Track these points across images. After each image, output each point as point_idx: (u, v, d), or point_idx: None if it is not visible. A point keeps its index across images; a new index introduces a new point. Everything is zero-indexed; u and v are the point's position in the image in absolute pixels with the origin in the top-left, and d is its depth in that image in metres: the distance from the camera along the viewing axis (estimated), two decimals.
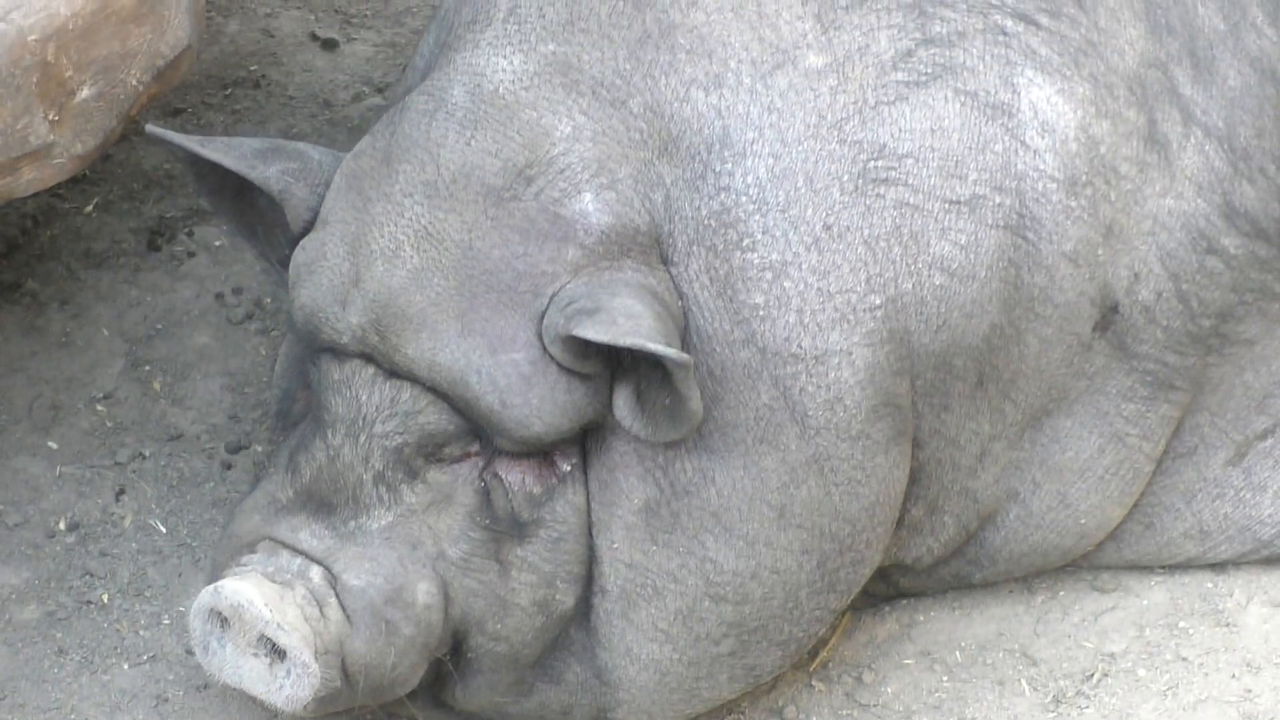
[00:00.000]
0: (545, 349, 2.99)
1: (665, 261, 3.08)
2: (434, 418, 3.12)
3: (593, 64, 3.19)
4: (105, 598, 3.46)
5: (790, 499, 3.06)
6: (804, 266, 2.97)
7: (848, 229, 2.99)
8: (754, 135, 3.11)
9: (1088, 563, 3.43)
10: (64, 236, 4.10)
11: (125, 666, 3.41)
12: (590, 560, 3.19)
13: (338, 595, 3.14)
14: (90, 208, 4.16)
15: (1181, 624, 3.36)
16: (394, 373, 3.14)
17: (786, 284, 2.94)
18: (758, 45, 3.16)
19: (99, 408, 3.76)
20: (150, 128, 3.27)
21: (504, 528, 3.18)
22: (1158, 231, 3.23)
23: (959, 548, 3.27)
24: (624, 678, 3.16)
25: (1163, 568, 3.47)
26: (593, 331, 2.92)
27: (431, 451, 3.14)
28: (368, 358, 3.12)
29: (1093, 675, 3.30)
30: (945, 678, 3.32)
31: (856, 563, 3.09)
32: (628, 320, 2.91)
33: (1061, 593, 3.44)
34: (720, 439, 3.09)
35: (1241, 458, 3.36)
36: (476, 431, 3.12)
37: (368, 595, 3.14)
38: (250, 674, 3.16)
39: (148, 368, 3.79)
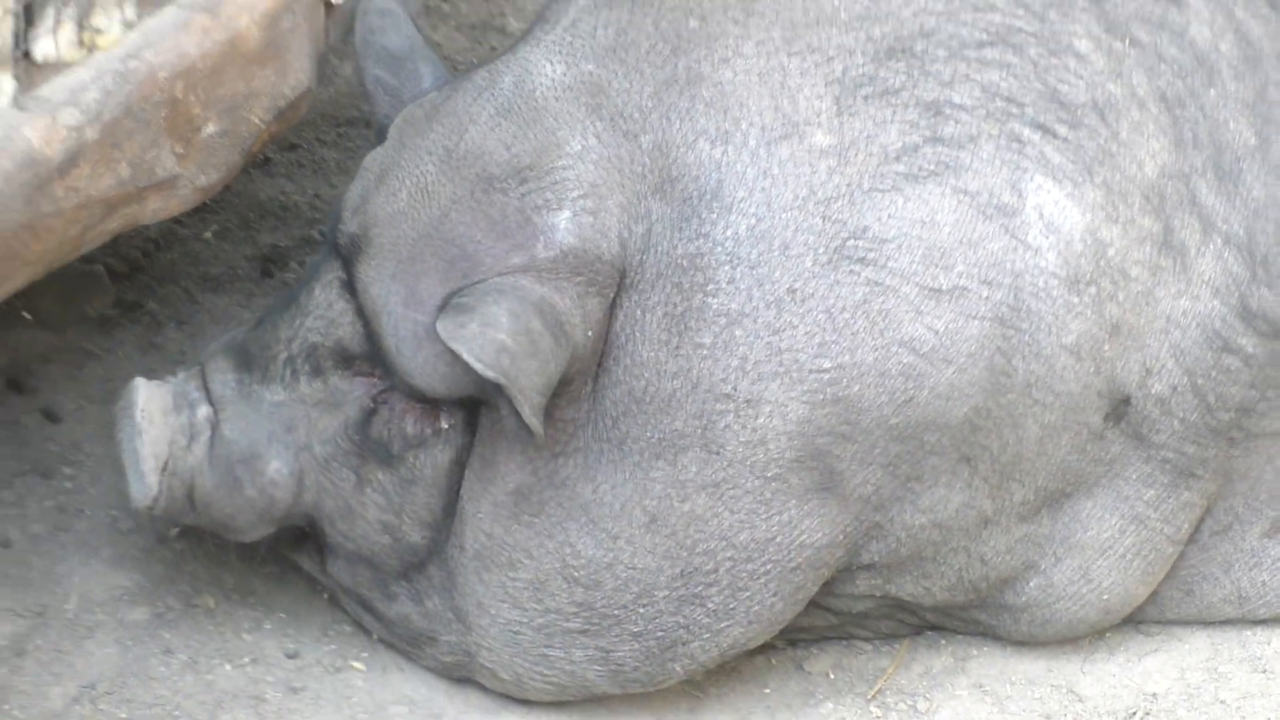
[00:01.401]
0: None
1: (628, 288, 3.06)
2: (350, 332, 3.20)
3: (619, 93, 3.21)
4: (210, 602, 3.45)
5: (668, 509, 3.09)
6: (759, 320, 2.98)
7: (811, 296, 3.00)
8: (744, 194, 3.11)
9: (1128, 619, 3.38)
10: (183, 261, 4.11)
11: (227, 667, 3.39)
12: (441, 512, 3.24)
13: (210, 437, 3.26)
14: (209, 234, 4.17)
15: (1221, 669, 3.34)
16: (345, 282, 3.23)
17: (738, 332, 2.97)
18: (772, 113, 3.16)
19: None
20: None
21: (371, 449, 3.25)
22: (1171, 330, 3.19)
23: (977, 600, 3.24)
24: (477, 625, 3.20)
25: None
26: (441, 326, 2.99)
27: (342, 359, 3.21)
28: (344, 263, 3.21)
29: (1135, 713, 3.28)
30: (996, 710, 3.30)
31: (735, 589, 3.09)
32: (481, 328, 2.96)
33: (1108, 635, 3.41)
34: (615, 447, 3.13)
35: (1278, 530, 3.34)
36: (383, 364, 3.20)
37: (230, 448, 3.24)
38: (125, 458, 3.26)
39: None
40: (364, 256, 3.18)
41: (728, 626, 3.17)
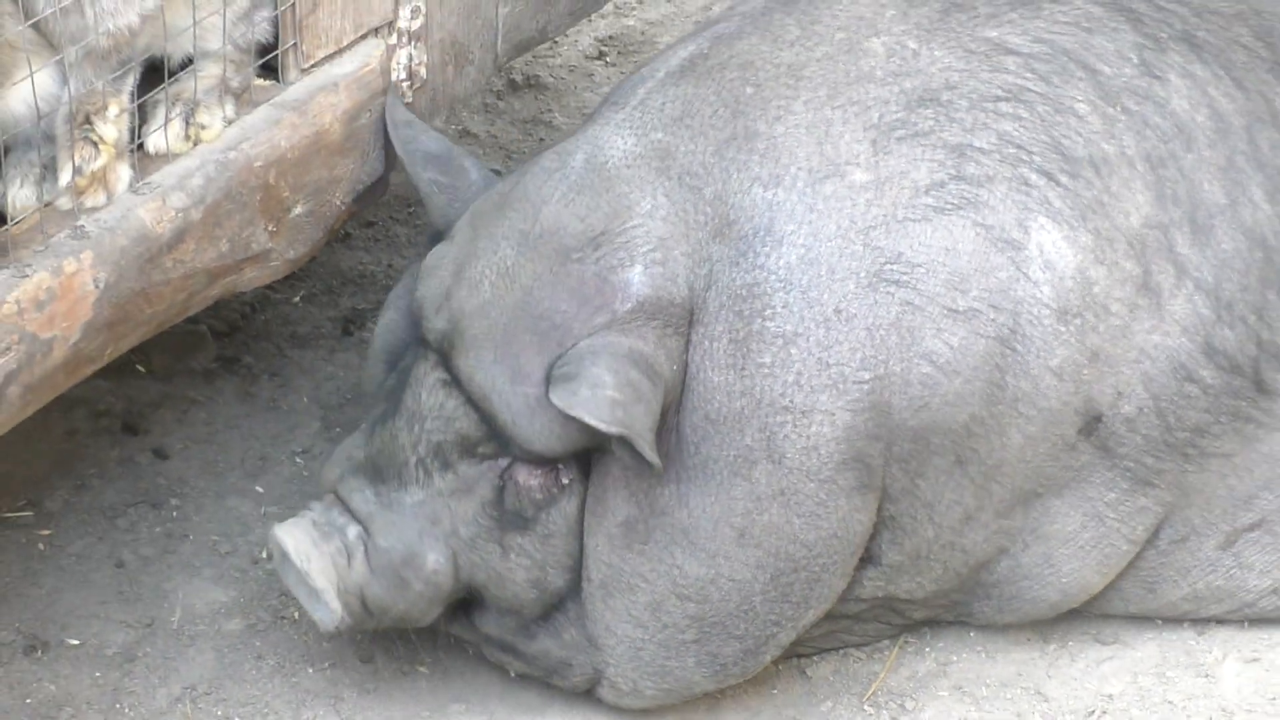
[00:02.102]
0: None
1: (694, 322, 3.05)
2: (467, 423, 3.15)
3: (686, 154, 3.17)
4: (296, 614, 3.46)
5: (752, 523, 3.08)
6: (811, 339, 3.00)
7: (855, 315, 3.02)
8: (794, 228, 3.10)
9: (1096, 611, 3.40)
10: (275, 321, 4.10)
11: (310, 670, 3.41)
12: (580, 553, 3.21)
13: (366, 550, 3.22)
14: (297, 299, 4.17)
15: (1169, 673, 3.35)
16: (449, 380, 3.18)
17: (793, 350, 2.99)
18: (818, 157, 3.16)
19: (298, 459, 3.78)
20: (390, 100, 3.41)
21: (509, 520, 3.22)
22: (1142, 361, 3.18)
23: (957, 586, 3.27)
24: (606, 646, 3.20)
25: (1154, 626, 3.41)
26: (556, 398, 2.97)
27: (465, 449, 3.17)
28: (440, 358, 3.17)
29: (1094, 712, 3.28)
30: (973, 708, 3.31)
31: (812, 581, 3.12)
32: (589, 392, 2.95)
33: (1070, 643, 3.40)
34: (699, 470, 3.11)
35: (1231, 544, 3.33)
36: (503, 441, 3.13)
37: (389, 555, 3.20)
38: (300, 596, 3.26)
39: (338, 429, 3.78)
40: (460, 350, 3.15)
41: (806, 612, 3.18)
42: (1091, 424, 3.18)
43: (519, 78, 4.75)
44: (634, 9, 4.89)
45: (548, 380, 3.04)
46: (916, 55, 3.22)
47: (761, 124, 3.17)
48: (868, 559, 3.22)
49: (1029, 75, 3.19)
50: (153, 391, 3.99)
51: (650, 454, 2.95)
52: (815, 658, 3.51)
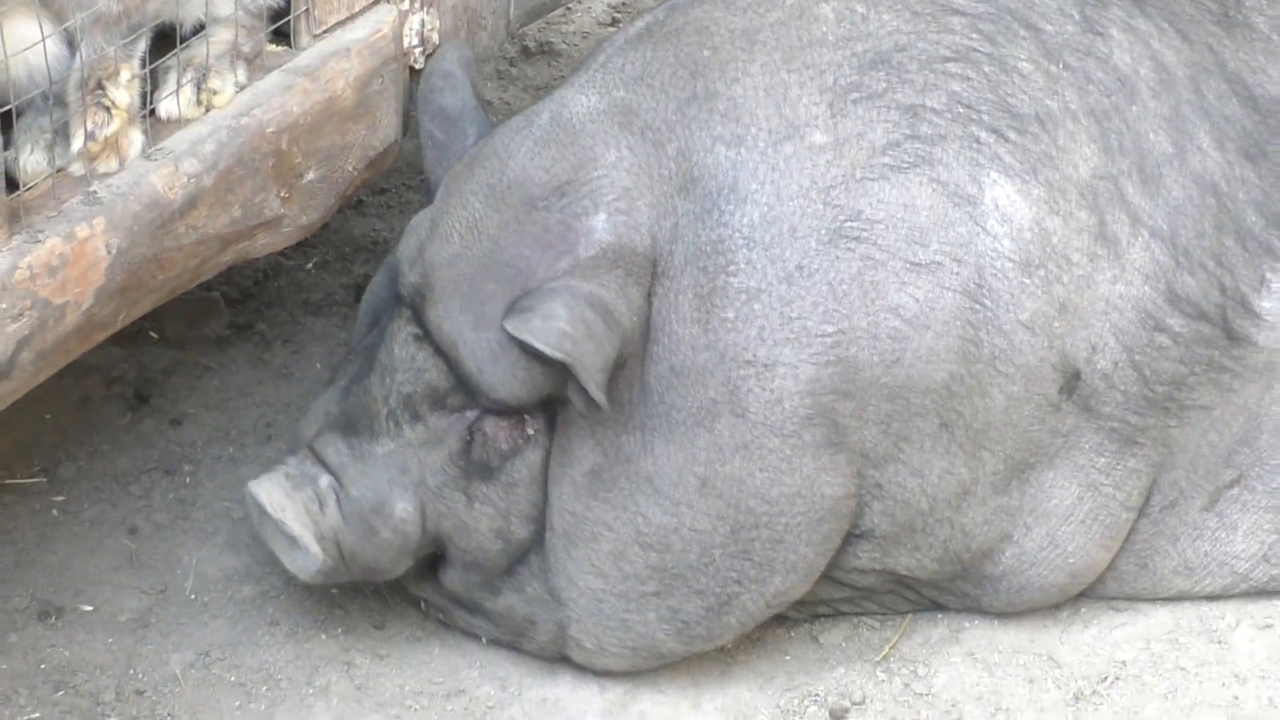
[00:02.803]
0: None
1: (660, 275, 3.11)
2: (436, 374, 3.21)
3: (648, 111, 3.22)
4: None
5: (714, 473, 3.12)
6: (773, 295, 3.04)
7: (816, 271, 3.06)
8: (756, 187, 3.14)
9: (1094, 596, 3.40)
10: (288, 288, 4.11)
11: (323, 636, 3.42)
12: (544, 504, 3.25)
13: (338, 500, 3.27)
14: (310, 266, 4.19)
15: (1181, 640, 3.35)
16: (420, 334, 3.24)
17: (756, 306, 3.04)
18: (777, 118, 3.20)
19: None
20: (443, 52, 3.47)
21: (475, 470, 3.27)
22: (1110, 312, 3.21)
23: (962, 571, 3.29)
24: (568, 599, 3.22)
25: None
26: (508, 324, 3.03)
27: (435, 400, 3.23)
28: (413, 313, 3.23)
29: (1106, 678, 3.28)
30: (985, 674, 3.31)
31: (774, 541, 3.13)
32: (541, 321, 3.01)
33: (1083, 609, 3.40)
34: (664, 420, 3.15)
35: (1214, 503, 3.34)
36: (470, 391, 3.17)
37: (360, 503, 3.26)
38: (279, 549, 3.31)
39: None
40: (430, 301, 3.21)
41: (770, 576, 3.19)
42: (1071, 381, 3.20)
43: (532, 44, 4.76)
44: None
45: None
46: (865, 19, 3.26)
47: (720, 85, 3.22)
48: (860, 532, 3.22)
49: (974, 35, 3.23)
50: (165, 358, 3.99)
51: (596, 391, 3.00)
52: (828, 625, 3.51)
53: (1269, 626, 3.38)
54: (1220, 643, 3.35)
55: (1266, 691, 3.25)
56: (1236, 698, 3.25)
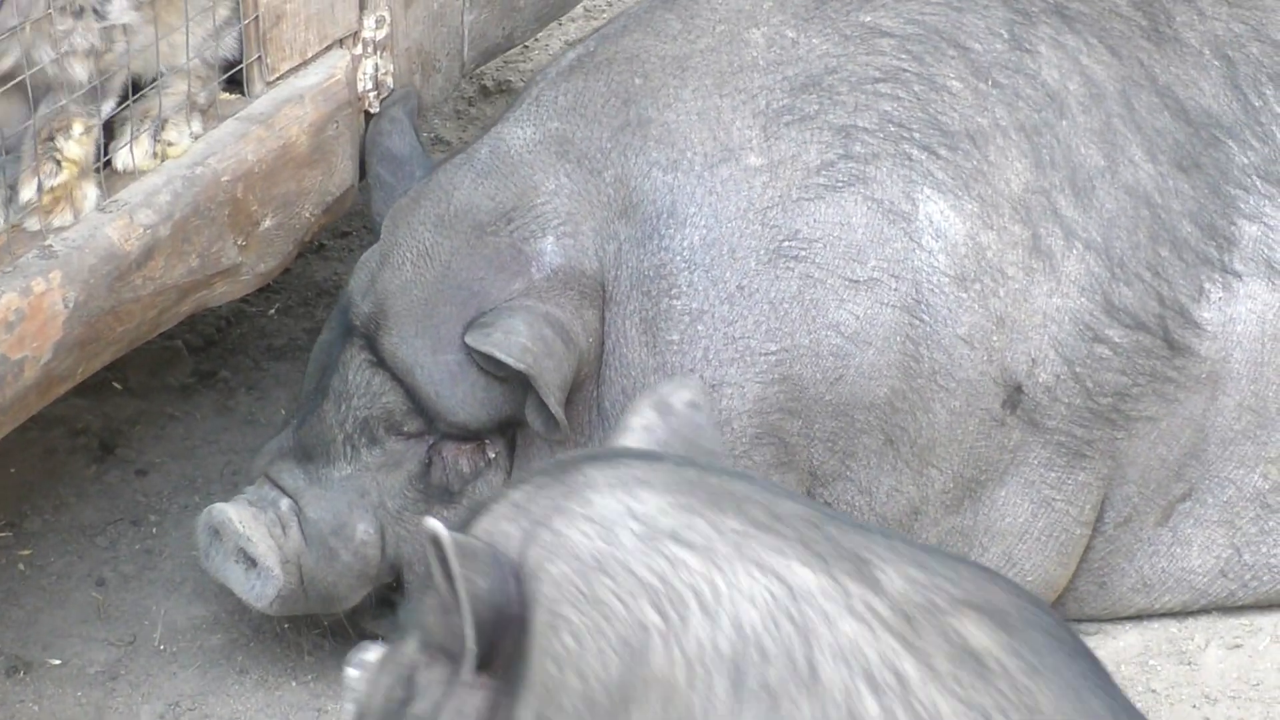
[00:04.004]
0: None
1: (608, 300, 3.13)
2: (393, 400, 3.22)
3: (583, 140, 3.24)
4: (280, 628, 3.45)
5: None
6: (716, 315, 3.06)
7: (756, 290, 3.08)
8: (694, 210, 3.16)
9: None
10: (251, 334, 4.10)
11: (293, 684, 3.41)
12: None
13: (299, 522, 3.27)
14: (272, 311, 4.17)
15: (1151, 662, 3.35)
16: (375, 361, 3.24)
17: (700, 327, 3.06)
18: (711, 142, 3.22)
19: None
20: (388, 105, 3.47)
21: (435, 493, 3.29)
22: (1048, 324, 3.21)
23: None
24: None
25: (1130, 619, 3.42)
26: (470, 339, 3.06)
27: (391, 425, 3.24)
28: (367, 341, 3.23)
29: None
30: None
31: None
32: (503, 335, 3.04)
33: None
34: None
35: (1167, 518, 3.34)
36: (428, 415, 3.19)
37: (319, 526, 3.26)
38: (233, 576, 3.28)
39: None
40: (384, 329, 3.22)
41: None
42: (1014, 395, 3.20)
43: (490, 83, 4.76)
44: (604, 11, 4.86)
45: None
46: (795, 43, 3.27)
47: (653, 111, 3.24)
48: None
49: (903, 56, 3.25)
50: (130, 408, 3.99)
51: (555, 408, 3.00)
52: None
53: (1238, 646, 3.37)
54: (1190, 664, 3.35)
55: (1238, 712, 3.25)
56: (1208, 719, 3.24)
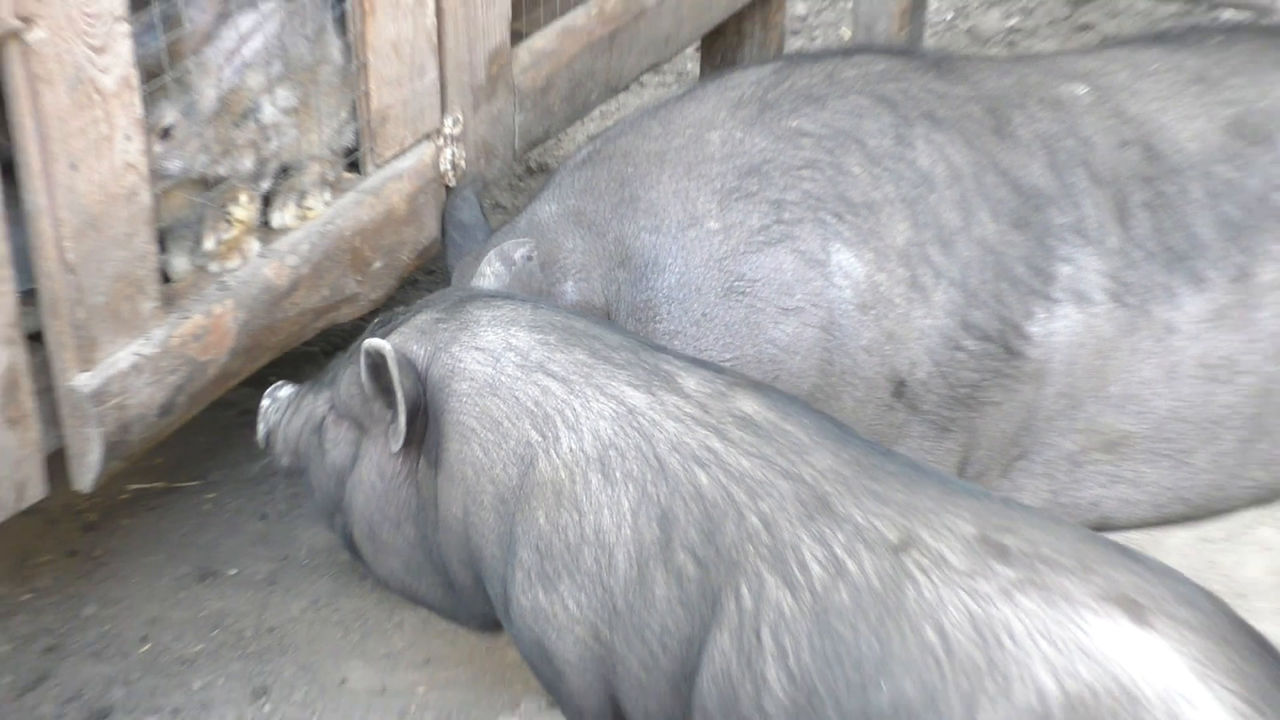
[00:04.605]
0: None
1: None
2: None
3: (592, 213, 3.21)
4: None
5: None
6: (687, 335, 3.04)
7: (715, 317, 3.05)
8: (671, 260, 3.12)
9: None
10: None
11: None
12: None
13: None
14: None
15: None
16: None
17: (676, 343, 3.04)
18: (682, 212, 3.16)
19: None
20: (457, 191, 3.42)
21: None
22: (923, 338, 3.17)
23: None
24: None
25: None
26: None
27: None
28: None
29: None
30: None
31: None
32: None
33: None
34: None
35: (1007, 472, 3.31)
36: None
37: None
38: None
39: None
40: None
41: None
42: (899, 388, 3.17)
43: (533, 164, 4.79)
44: (615, 113, 4.90)
45: None
46: (741, 142, 3.23)
47: (641, 191, 3.21)
48: None
49: (819, 150, 3.20)
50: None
51: None
52: None
53: None
54: None
55: None
56: None
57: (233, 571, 3.49)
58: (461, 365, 2.67)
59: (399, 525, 2.84)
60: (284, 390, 3.11)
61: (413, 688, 3.20)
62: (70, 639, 3.26)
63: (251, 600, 3.43)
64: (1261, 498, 3.38)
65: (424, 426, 2.71)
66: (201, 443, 3.80)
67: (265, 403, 3.13)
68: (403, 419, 2.66)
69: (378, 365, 2.65)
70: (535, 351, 2.64)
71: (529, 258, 3.22)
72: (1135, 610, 2.01)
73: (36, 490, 2.71)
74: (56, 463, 2.78)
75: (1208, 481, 3.31)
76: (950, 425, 3.21)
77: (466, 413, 2.65)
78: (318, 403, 2.99)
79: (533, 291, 3.17)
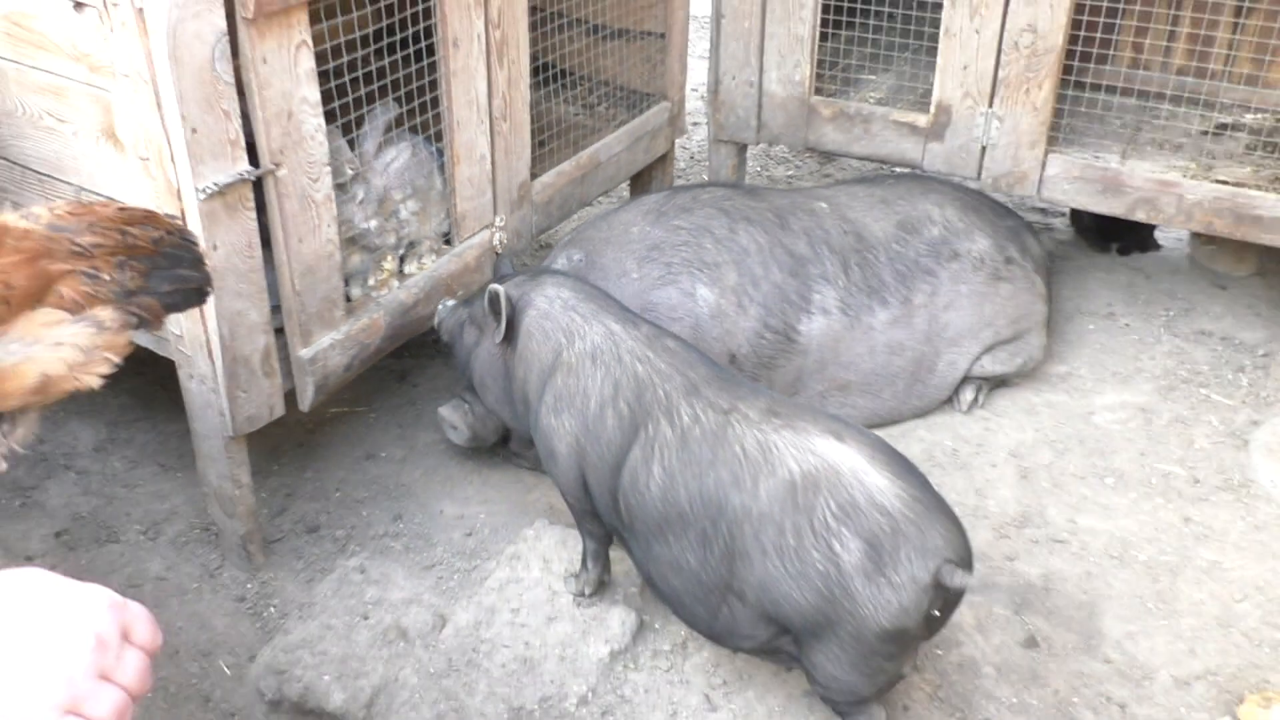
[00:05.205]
0: None
1: None
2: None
3: (573, 269, 3.16)
4: (488, 457, 3.32)
5: None
6: None
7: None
8: (616, 294, 3.11)
9: None
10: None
11: (499, 477, 3.31)
12: None
13: (470, 409, 3.06)
14: None
15: None
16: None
17: None
18: (618, 269, 3.19)
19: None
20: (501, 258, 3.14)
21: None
22: (744, 332, 3.12)
23: None
24: None
25: None
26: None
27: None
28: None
29: None
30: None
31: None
32: None
33: None
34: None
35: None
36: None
37: (475, 410, 3.04)
38: (449, 433, 3.16)
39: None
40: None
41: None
42: (732, 359, 3.19)
43: (543, 241, 4.48)
44: (583, 216, 4.51)
45: None
46: (647, 233, 3.22)
47: (597, 259, 3.24)
48: None
49: (690, 236, 3.23)
50: (410, 364, 3.85)
51: None
52: None
53: None
54: None
55: None
56: None
57: (383, 454, 3.40)
58: (534, 302, 2.70)
59: (496, 378, 2.81)
60: (450, 303, 3.01)
61: (477, 514, 3.13)
62: (298, 490, 3.22)
63: (393, 469, 3.31)
64: (919, 414, 3.50)
65: (511, 332, 2.70)
66: (368, 386, 3.68)
67: (439, 308, 3.01)
68: (503, 327, 2.68)
69: (495, 299, 2.68)
70: (571, 300, 2.67)
71: (576, 261, 3.21)
72: (839, 435, 2.18)
73: (279, 410, 2.74)
74: (290, 397, 2.77)
75: (890, 407, 3.43)
76: (759, 377, 3.22)
77: (533, 326, 2.66)
78: (462, 313, 2.93)
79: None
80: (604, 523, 2.55)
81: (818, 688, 2.19)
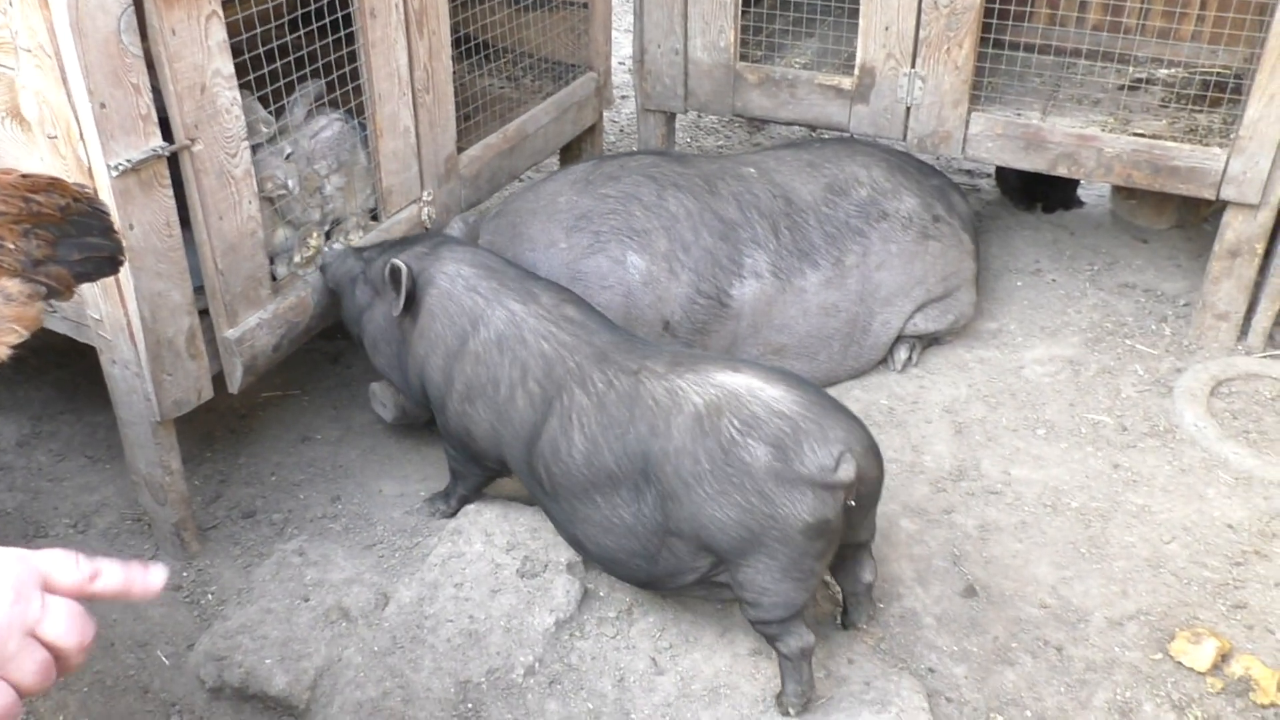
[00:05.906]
0: None
1: None
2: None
3: (500, 241, 3.14)
4: (411, 435, 3.30)
5: None
6: None
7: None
8: (541, 266, 3.12)
9: None
10: None
11: (417, 459, 3.25)
12: None
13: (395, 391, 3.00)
14: None
15: None
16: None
17: None
18: (545, 239, 3.17)
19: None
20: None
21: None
22: (677, 299, 3.19)
23: None
24: None
25: None
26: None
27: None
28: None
29: None
30: None
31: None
32: None
33: None
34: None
35: None
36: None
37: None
38: (379, 411, 3.14)
39: None
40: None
41: None
42: (666, 325, 3.21)
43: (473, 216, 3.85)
44: (512, 188, 4.30)
45: None
46: (575, 203, 3.21)
47: (524, 229, 3.22)
48: None
49: (618, 204, 3.21)
50: (340, 346, 3.78)
51: None
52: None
53: None
54: None
55: None
56: None
57: (319, 436, 3.36)
58: (434, 280, 2.70)
59: (390, 344, 2.82)
60: (337, 246, 2.96)
61: (417, 492, 3.10)
62: (232, 475, 3.16)
63: (329, 450, 3.28)
64: (855, 375, 3.53)
65: (410, 305, 2.72)
66: (301, 370, 3.65)
67: (326, 249, 2.93)
68: (401, 303, 2.70)
69: (396, 273, 2.69)
70: (471, 278, 2.68)
71: (473, 221, 3.18)
72: (736, 368, 2.29)
73: (208, 393, 2.70)
74: (219, 380, 2.73)
75: (826, 369, 3.44)
76: (694, 343, 3.23)
77: (436, 306, 2.68)
78: (353, 266, 2.89)
79: (472, 240, 3.03)
80: (483, 471, 2.69)
81: (750, 610, 2.23)
